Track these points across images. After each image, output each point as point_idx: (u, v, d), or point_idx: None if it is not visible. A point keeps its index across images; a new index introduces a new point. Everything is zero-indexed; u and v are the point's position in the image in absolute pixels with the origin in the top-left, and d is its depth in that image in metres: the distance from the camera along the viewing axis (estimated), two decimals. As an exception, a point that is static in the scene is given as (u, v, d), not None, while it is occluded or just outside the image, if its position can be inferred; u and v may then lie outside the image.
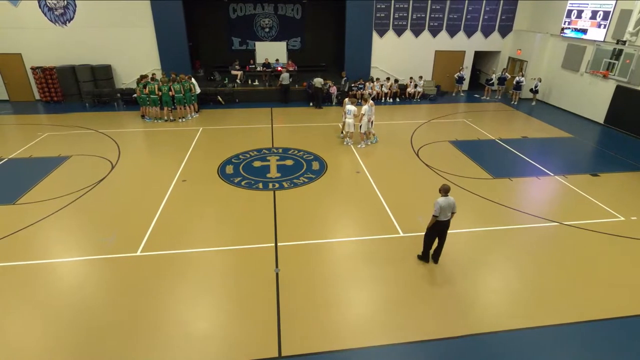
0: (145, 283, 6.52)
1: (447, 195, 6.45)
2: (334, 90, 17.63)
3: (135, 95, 15.25)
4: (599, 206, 9.13)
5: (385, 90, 18.26)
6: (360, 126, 12.28)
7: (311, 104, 17.48)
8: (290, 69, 18.72)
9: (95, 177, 10.29)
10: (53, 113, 16.10)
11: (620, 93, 14.55)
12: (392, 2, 18.25)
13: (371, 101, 12.40)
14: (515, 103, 18.09)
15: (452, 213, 6.60)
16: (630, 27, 13.71)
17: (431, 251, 7.05)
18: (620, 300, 6.29)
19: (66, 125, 14.45)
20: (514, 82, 18.07)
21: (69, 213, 8.65)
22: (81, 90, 17.25)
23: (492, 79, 19.00)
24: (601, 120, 15.45)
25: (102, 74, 17.37)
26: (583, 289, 6.53)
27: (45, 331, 5.60)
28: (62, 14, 16.61)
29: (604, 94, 15.25)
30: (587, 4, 15.74)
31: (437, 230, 6.69)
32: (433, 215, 6.51)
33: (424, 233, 6.93)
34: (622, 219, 8.60)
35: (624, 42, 14.01)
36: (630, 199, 9.45)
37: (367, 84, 18.04)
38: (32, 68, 16.92)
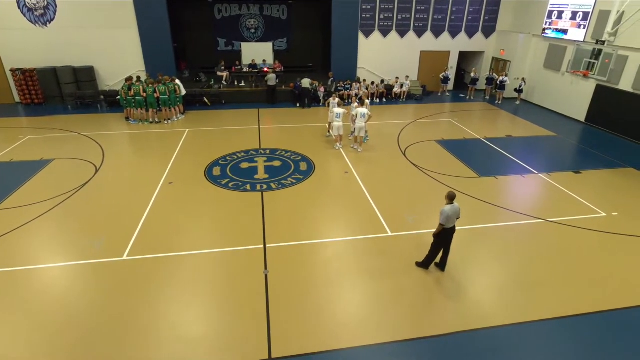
0: (132, 287, 6.42)
1: (453, 203, 6.35)
2: (322, 90, 17.65)
3: (118, 97, 15.00)
4: (581, 203, 9.33)
5: (372, 91, 18.35)
6: (355, 129, 12.00)
7: (298, 104, 17.48)
8: (277, 69, 18.67)
9: (78, 180, 10.08)
10: (34, 116, 15.73)
11: (600, 92, 14.92)
12: (378, 2, 18.37)
13: (367, 101, 12.33)
14: (500, 102, 18.38)
15: (457, 218, 6.52)
16: (608, 28, 14.05)
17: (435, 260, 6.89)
18: (603, 294, 6.43)
19: (48, 128, 14.14)
20: (497, 82, 18.35)
21: (52, 218, 8.45)
22: (63, 92, 16.91)
23: (476, 78, 19.20)
24: (582, 118, 15.81)
25: (85, 75, 17.04)
26: (568, 284, 6.65)
27: (32, 339, 5.45)
28: (42, 15, 16.26)
29: (584, 93, 15.61)
30: (567, 5, 16.09)
31: (445, 238, 6.58)
32: (440, 224, 6.37)
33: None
34: (604, 215, 8.80)
35: (603, 42, 14.35)
36: (611, 195, 9.69)
37: (354, 84, 18.10)
38: (11, 70, 16.51)
